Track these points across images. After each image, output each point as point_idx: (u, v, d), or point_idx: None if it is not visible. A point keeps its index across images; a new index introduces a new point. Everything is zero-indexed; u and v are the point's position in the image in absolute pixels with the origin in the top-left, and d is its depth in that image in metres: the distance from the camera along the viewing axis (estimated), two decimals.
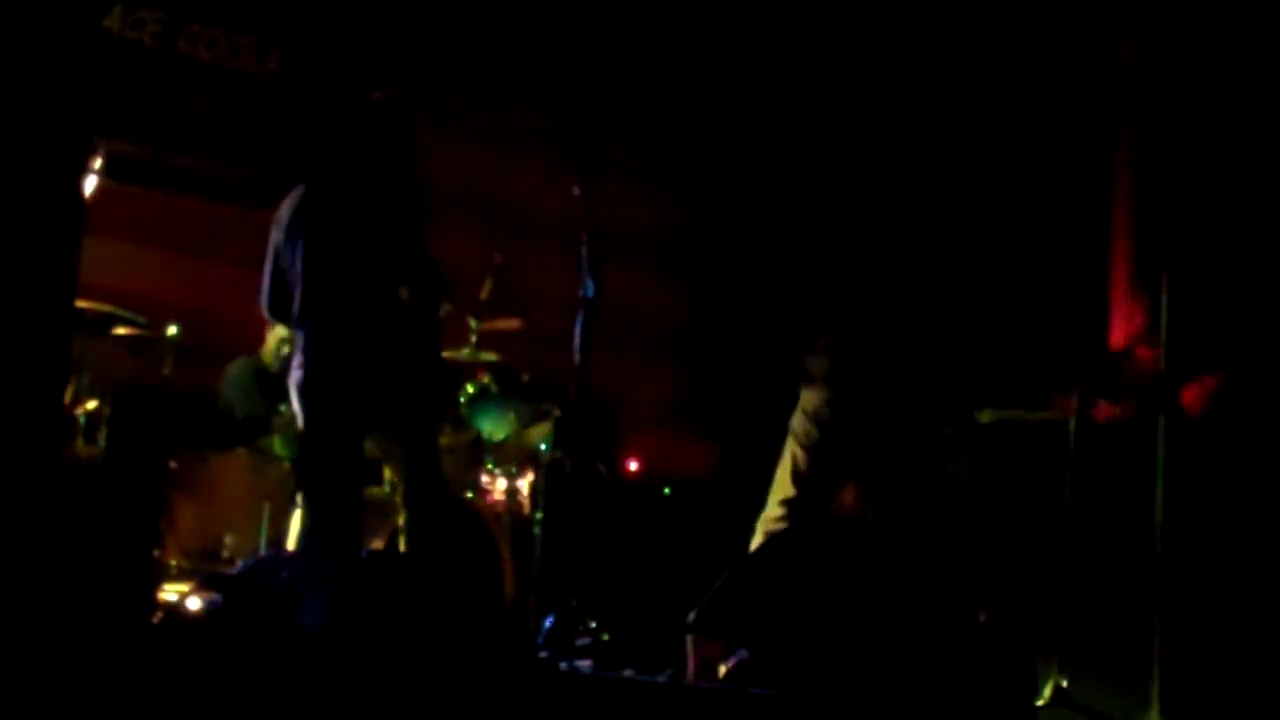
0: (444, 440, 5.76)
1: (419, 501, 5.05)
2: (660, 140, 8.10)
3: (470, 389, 6.35)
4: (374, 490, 5.64)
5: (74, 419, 5.61)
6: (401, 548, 5.18)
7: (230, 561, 5.61)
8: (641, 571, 6.47)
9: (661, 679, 5.00)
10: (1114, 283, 6.81)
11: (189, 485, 5.73)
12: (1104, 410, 5.88)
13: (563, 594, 5.48)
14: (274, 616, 4.70)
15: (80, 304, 5.42)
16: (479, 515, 6.04)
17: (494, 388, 6.34)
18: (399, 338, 4.94)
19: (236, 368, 6.02)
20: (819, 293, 5.62)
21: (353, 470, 4.89)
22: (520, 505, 6.32)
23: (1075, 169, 7.15)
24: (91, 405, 5.68)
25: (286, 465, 5.76)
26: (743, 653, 4.61)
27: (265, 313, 5.12)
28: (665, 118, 8.10)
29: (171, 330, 5.93)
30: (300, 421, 4.92)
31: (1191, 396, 5.68)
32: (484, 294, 6.50)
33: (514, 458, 6.43)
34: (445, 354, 5.74)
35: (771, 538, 5.38)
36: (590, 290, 4.91)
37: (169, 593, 5.25)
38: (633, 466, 7.42)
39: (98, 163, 5.34)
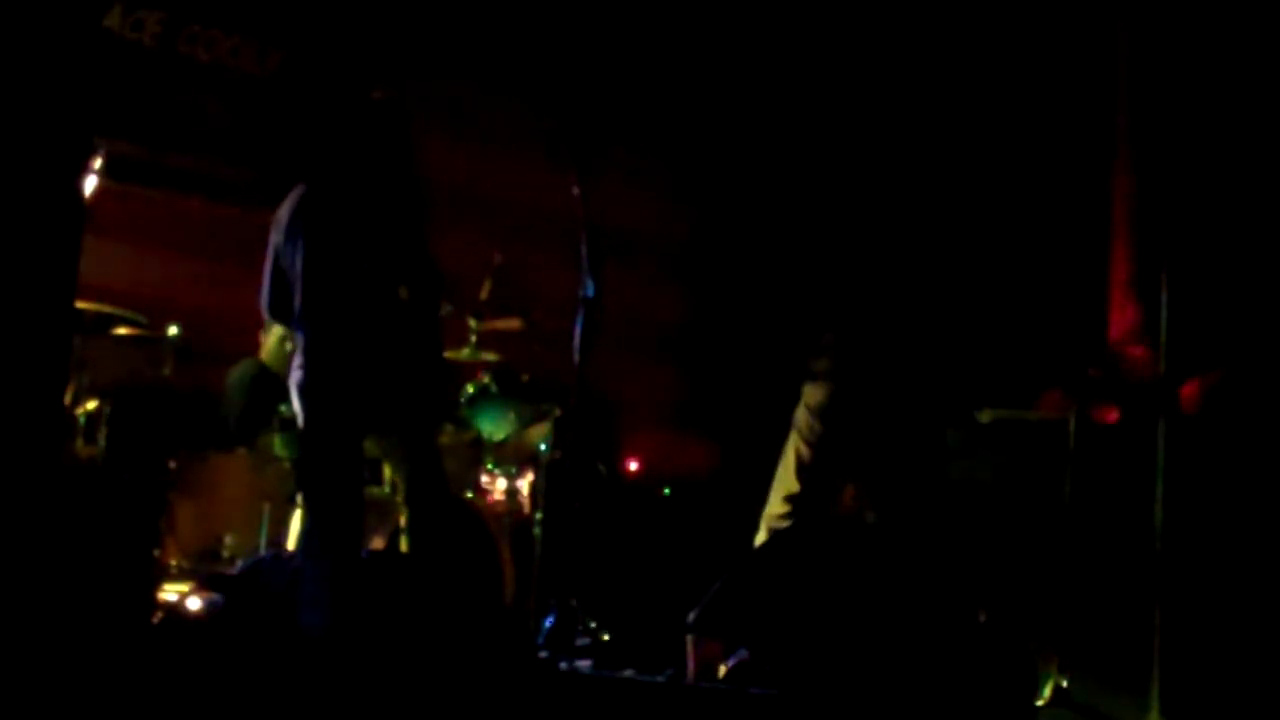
0: (444, 440, 5.77)
1: (421, 501, 5.05)
2: (660, 140, 8.10)
3: (470, 389, 6.35)
4: (374, 490, 5.65)
5: (74, 419, 5.61)
6: (403, 548, 5.18)
7: (230, 561, 5.61)
8: (641, 571, 6.47)
9: (661, 679, 5.00)
10: (1113, 282, 6.81)
11: (189, 485, 5.73)
12: (1099, 410, 5.89)
13: (563, 594, 5.48)
14: (274, 616, 4.70)
15: (80, 304, 5.42)
16: (479, 515, 6.04)
17: (494, 388, 6.34)
18: (399, 337, 4.94)
19: (240, 368, 6.03)
20: (821, 291, 5.63)
21: (353, 470, 4.89)
22: (520, 505, 6.32)
23: (1075, 168, 7.15)
24: (91, 405, 5.68)
25: (286, 465, 5.76)
26: (743, 653, 4.61)
27: (265, 314, 5.12)
28: (665, 118, 8.09)
29: (171, 330, 5.93)
30: (301, 421, 4.92)
31: (1188, 395, 5.68)
32: (484, 294, 6.50)
33: (514, 458, 6.43)
34: (445, 354, 5.74)
35: (771, 537, 5.38)
36: (590, 290, 4.91)
37: (169, 593, 5.24)
38: (633, 466, 7.42)
39: (98, 163, 5.34)
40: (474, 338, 6.47)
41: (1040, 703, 5.17)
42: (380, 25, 7.38)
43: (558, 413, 6.30)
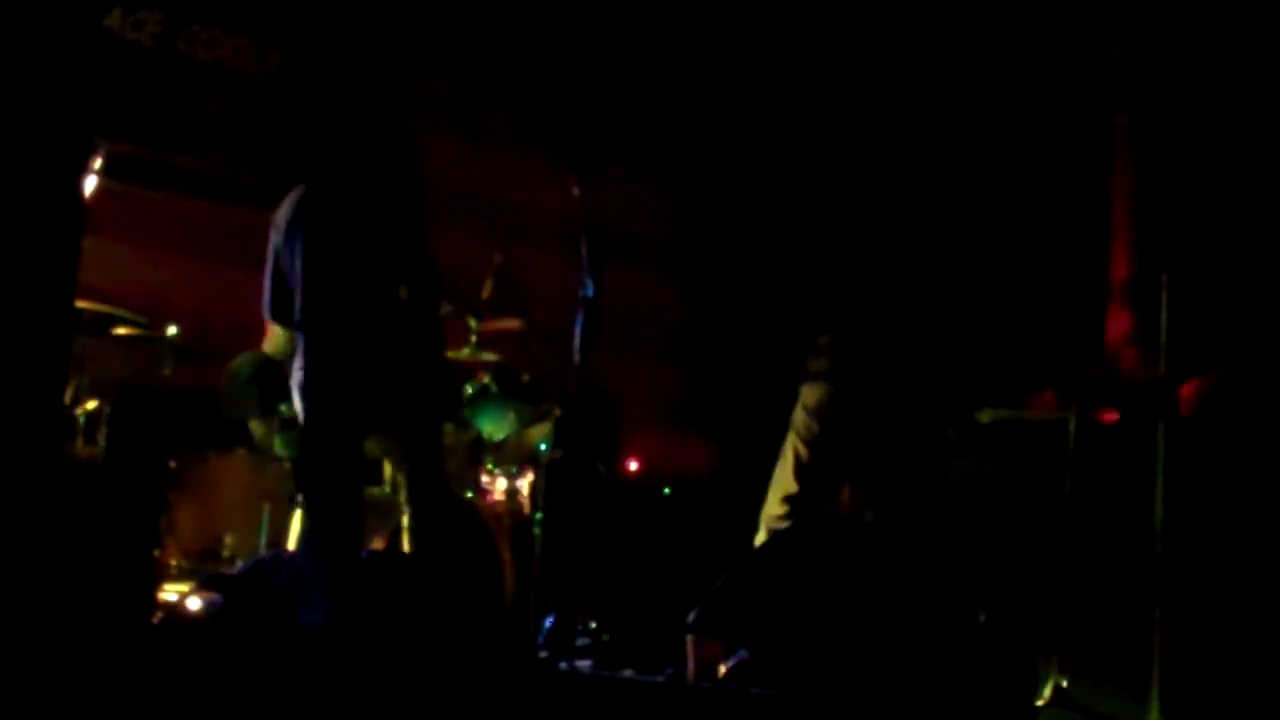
0: (444, 440, 5.76)
1: (424, 501, 5.05)
2: (660, 140, 8.10)
3: (470, 389, 6.35)
4: (374, 490, 5.64)
5: (74, 419, 5.61)
6: (405, 548, 5.18)
7: (230, 561, 5.61)
8: (641, 571, 6.46)
9: (661, 679, 5.00)
10: (1113, 283, 6.82)
11: (189, 485, 5.73)
12: (1097, 411, 5.89)
13: (563, 594, 5.48)
14: (274, 616, 4.70)
15: (80, 304, 5.42)
16: (479, 515, 6.03)
17: (494, 388, 6.34)
18: (400, 337, 4.94)
19: (241, 359, 6.01)
20: (818, 291, 5.62)
21: (353, 470, 4.89)
22: (520, 505, 6.32)
23: (1075, 169, 7.15)
24: (91, 405, 5.68)
25: (286, 465, 5.76)
26: (743, 653, 4.61)
27: (267, 316, 5.13)
28: (665, 118, 8.09)
29: (171, 330, 5.93)
30: (302, 421, 4.92)
31: (1187, 396, 5.68)
32: (484, 294, 6.50)
33: (514, 458, 6.43)
34: (446, 354, 5.74)
35: (772, 537, 5.38)
36: (590, 290, 4.91)
37: (169, 593, 5.24)
38: (633, 466, 7.42)
39: (98, 163, 5.34)
40: (474, 338, 6.46)
41: (1040, 703, 5.17)
42: (380, 25, 7.38)
43: (558, 413, 6.30)
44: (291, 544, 5.51)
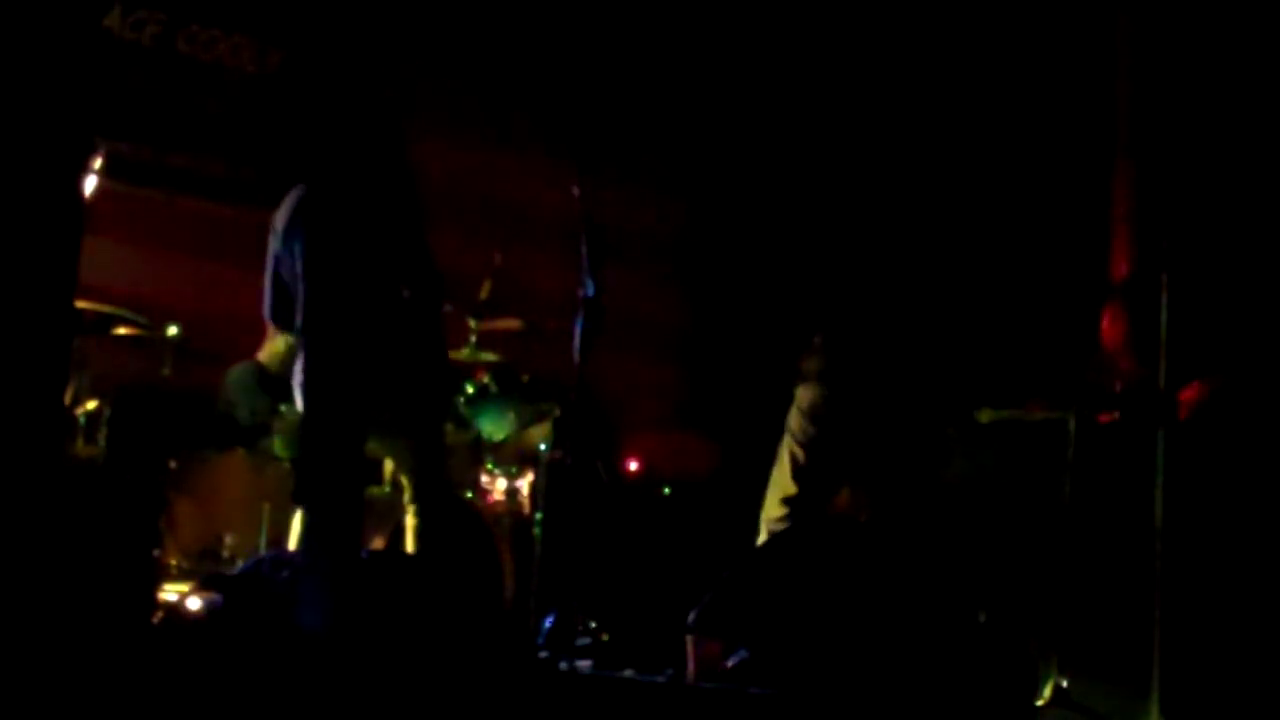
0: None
1: (428, 501, 5.05)
2: (660, 140, 8.10)
3: (470, 389, 6.35)
4: (374, 490, 5.64)
5: (74, 419, 5.61)
6: (409, 548, 5.18)
7: (230, 561, 5.61)
8: (641, 571, 6.47)
9: (661, 679, 5.00)
10: (1112, 283, 6.81)
11: (189, 485, 5.73)
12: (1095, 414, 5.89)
13: (563, 594, 5.48)
14: (274, 616, 4.69)
15: (80, 304, 5.41)
16: (479, 515, 6.04)
17: (494, 388, 6.34)
18: (402, 337, 4.94)
19: (239, 370, 6.02)
20: (812, 291, 5.61)
21: (353, 470, 4.89)
22: (520, 505, 6.32)
23: (1074, 168, 7.15)
24: (91, 405, 5.68)
25: (286, 465, 5.76)
26: (743, 653, 4.61)
27: (269, 321, 5.13)
28: (665, 118, 8.09)
29: (171, 330, 5.93)
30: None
31: (1187, 399, 5.68)
32: (484, 294, 6.50)
33: (514, 458, 6.43)
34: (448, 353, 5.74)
35: (771, 538, 5.38)
36: (590, 290, 4.91)
37: (169, 593, 5.24)
38: (633, 466, 7.42)
39: (98, 163, 5.34)
40: (474, 338, 6.46)
41: (1040, 703, 5.17)
42: (380, 25, 7.37)
43: (558, 413, 6.30)
44: (291, 544, 5.51)
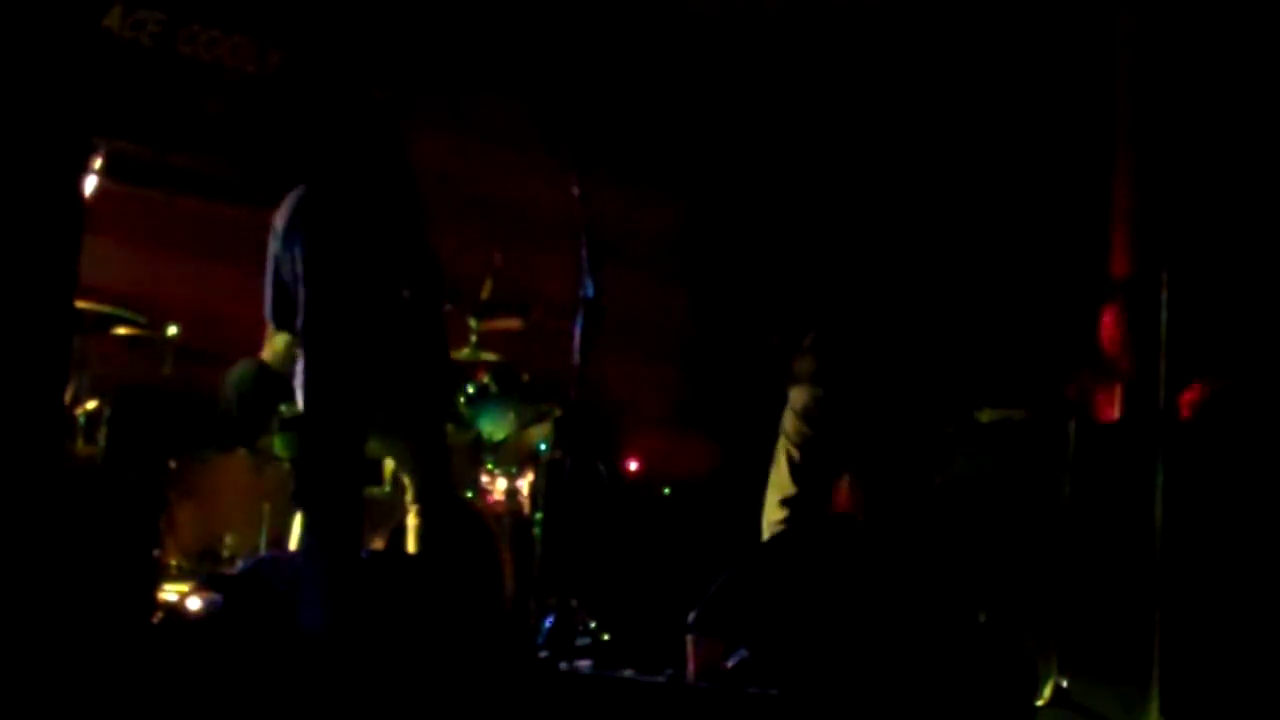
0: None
1: (432, 501, 5.05)
2: (660, 140, 8.10)
3: (470, 389, 6.35)
4: (374, 490, 5.64)
5: (74, 419, 5.61)
6: (410, 548, 5.18)
7: (230, 561, 5.60)
8: (641, 571, 6.47)
9: (661, 679, 5.00)
10: (1112, 282, 6.81)
11: (189, 485, 5.72)
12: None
13: (563, 594, 5.48)
14: (274, 616, 4.69)
15: (80, 304, 5.42)
16: (479, 515, 6.04)
17: (494, 388, 6.34)
18: (403, 337, 4.94)
19: (239, 368, 6.02)
20: (804, 291, 5.59)
21: (353, 470, 4.89)
22: (520, 505, 6.32)
23: (1074, 168, 7.15)
24: (91, 405, 5.68)
25: (286, 465, 5.76)
26: (743, 653, 4.60)
27: (270, 322, 5.13)
28: (665, 118, 8.09)
29: (171, 330, 5.93)
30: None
31: (1188, 401, 5.68)
32: (484, 294, 6.50)
33: (514, 458, 6.43)
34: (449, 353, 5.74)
35: (771, 538, 5.38)
36: (590, 290, 4.91)
37: (169, 593, 5.24)
38: (633, 466, 7.42)
39: (98, 163, 5.33)
40: (474, 338, 6.47)
41: (1040, 703, 5.17)
42: (380, 25, 7.38)
43: (558, 413, 6.30)
44: (292, 544, 5.51)
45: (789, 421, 5.36)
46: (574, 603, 5.73)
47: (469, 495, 6.22)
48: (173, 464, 5.70)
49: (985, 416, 5.84)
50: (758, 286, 5.72)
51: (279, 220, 5.03)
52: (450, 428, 6.22)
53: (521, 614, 5.71)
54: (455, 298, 5.80)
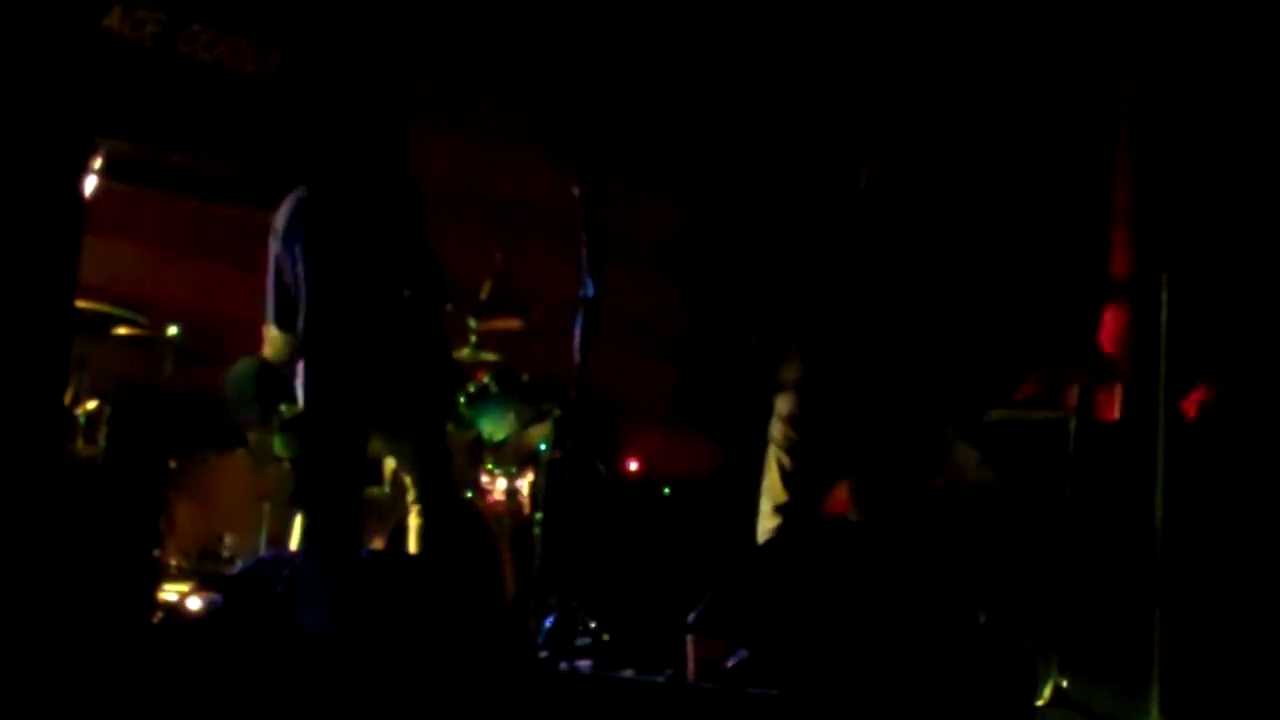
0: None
1: (434, 501, 5.05)
2: (661, 141, 8.10)
3: (470, 389, 6.35)
4: (374, 490, 5.64)
5: (74, 419, 5.61)
6: (411, 548, 5.18)
7: (230, 561, 5.61)
8: (641, 571, 6.46)
9: (661, 679, 5.00)
10: (1112, 281, 6.82)
11: (189, 485, 5.73)
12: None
13: (563, 594, 5.48)
14: (274, 616, 4.70)
15: (80, 304, 5.42)
16: (479, 515, 6.04)
17: (494, 388, 6.34)
18: (404, 338, 4.94)
19: (241, 366, 6.02)
20: (790, 297, 5.55)
21: (353, 470, 4.89)
22: (520, 505, 6.32)
23: (1075, 167, 7.15)
24: (91, 405, 5.68)
25: (286, 465, 5.76)
26: (743, 653, 4.60)
27: (271, 324, 5.13)
28: (666, 119, 8.10)
29: (171, 330, 5.93)
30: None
31: (1189, 402, 5.68)
32: (484, 294, 6.50)
33: (514, 458, 6.43)
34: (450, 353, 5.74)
35: (771, 538, 5.37)
36: (590, 290, 4.91)
37: (169, 593, 5.24)
38: (633, 466, 7.42)
39: (98, 163, 5.34)
40: (474, 338, 6.47)
41: (1040, 703, 5.17)
42: (380, 25, 7.37)
43: (558, 413, 6.30)
44: (292, 544, 5.51)
45: (777, 429, 5.31)
46: (574, 603, 5.73)
47: (469, 495, 6.22)
48: (173, 464, 5.70)
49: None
50: (742, 290, 5.70)
51: (279, 221, 5.03)
52: (450, 428, 6.22)
53: (521, 614, 5.71)
54: (455, 298, 5.80)
